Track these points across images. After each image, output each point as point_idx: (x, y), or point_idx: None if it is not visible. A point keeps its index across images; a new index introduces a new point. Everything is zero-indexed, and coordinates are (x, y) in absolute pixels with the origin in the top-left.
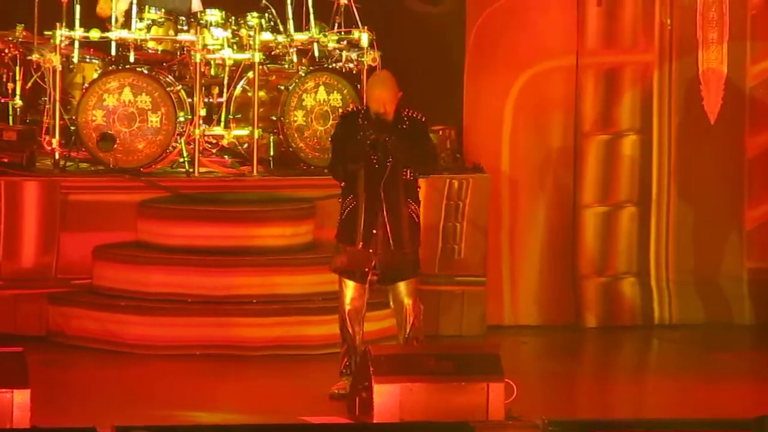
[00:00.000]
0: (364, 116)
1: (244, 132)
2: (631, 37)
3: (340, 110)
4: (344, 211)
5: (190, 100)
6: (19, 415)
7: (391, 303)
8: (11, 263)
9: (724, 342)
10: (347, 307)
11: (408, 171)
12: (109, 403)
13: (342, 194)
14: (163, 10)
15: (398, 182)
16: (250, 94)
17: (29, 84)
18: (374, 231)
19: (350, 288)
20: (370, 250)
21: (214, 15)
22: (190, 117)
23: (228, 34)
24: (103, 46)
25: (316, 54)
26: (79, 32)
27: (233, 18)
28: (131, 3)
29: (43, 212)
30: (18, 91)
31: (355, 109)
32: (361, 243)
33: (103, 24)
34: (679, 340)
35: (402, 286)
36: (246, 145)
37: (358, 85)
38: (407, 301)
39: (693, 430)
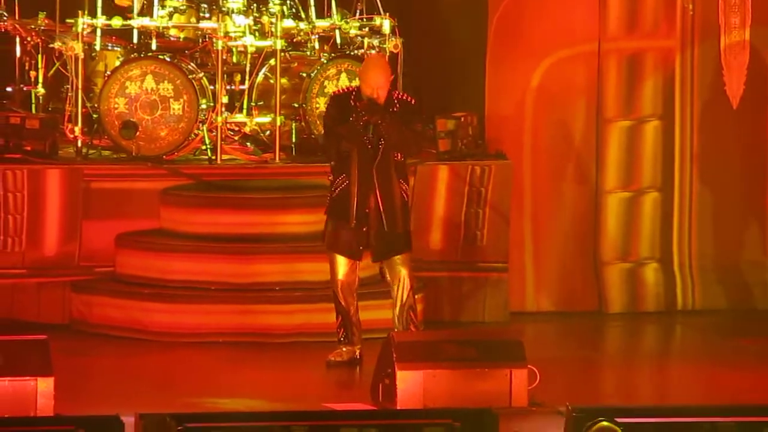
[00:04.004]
0: (356, 97)
1: (266, 119)
2: (653, 22)
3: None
4: (336, 189)
5: (212, 87)
6: (43, 403)
7: (387, 276)
8: (34, 251)
9: (746, 328)
10: (339, 283)
11: (399, 152)
12: (132, 390)
13: (333, 172)
14: None
15: (390, 163)
16: (272, 81)
17: (51, 72)
18: (367, 210)
19: (342, 264)
20: (363, 229)
21: (236, 2)
22: (212, 104)
23: (250, 21)
24: (125, 33)
25: (338, 41)
26: (101, 20)
27: (255, 5)
28: None
29: (66, 200)
30: (40, 79)
31: (346, 89)
32: (354, 221)
33: (123, 13)
34: (702, 326)
35: (397, 258)
36: (268, 132)
37: None
38: (403, 271)
39: (717, 416)
